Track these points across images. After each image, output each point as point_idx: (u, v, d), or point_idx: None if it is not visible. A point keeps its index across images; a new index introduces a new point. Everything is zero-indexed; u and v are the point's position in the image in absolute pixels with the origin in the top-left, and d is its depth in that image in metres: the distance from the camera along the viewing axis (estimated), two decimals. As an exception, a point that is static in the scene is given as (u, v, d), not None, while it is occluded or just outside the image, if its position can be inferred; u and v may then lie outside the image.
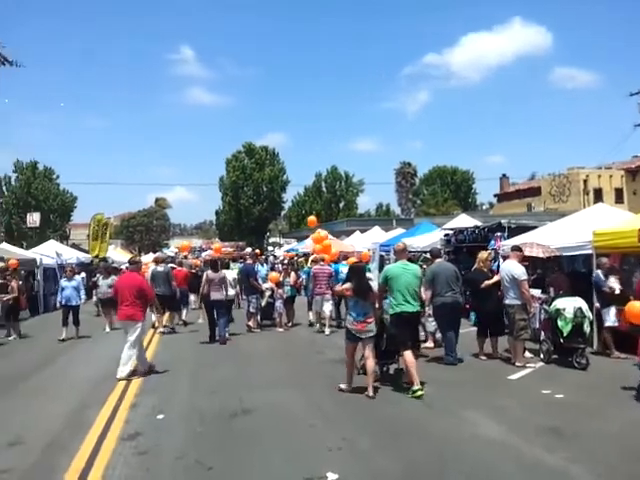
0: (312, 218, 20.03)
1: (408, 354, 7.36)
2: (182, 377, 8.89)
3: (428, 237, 17.96)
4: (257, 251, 23.98)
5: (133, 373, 8.77)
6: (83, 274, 23.32)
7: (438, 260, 10.06)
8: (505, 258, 11.00)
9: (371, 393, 7.11)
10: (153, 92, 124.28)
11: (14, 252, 22.03)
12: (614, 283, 9.45)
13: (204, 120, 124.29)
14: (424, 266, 11.22)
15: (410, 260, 8.73)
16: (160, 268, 14.13)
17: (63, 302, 13.62)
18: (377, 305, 7.63)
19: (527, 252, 10.09)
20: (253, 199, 60.92)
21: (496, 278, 9.47)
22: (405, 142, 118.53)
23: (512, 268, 9.05)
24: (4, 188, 53.50)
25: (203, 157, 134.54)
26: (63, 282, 14.08)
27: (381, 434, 5.76)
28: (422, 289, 8.38)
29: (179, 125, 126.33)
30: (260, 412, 6.63)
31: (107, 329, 14.43)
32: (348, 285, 7.39)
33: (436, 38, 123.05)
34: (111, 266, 18.90)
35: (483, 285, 9.46)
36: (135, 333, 8.77)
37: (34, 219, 46.62)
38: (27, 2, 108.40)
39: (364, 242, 24.43)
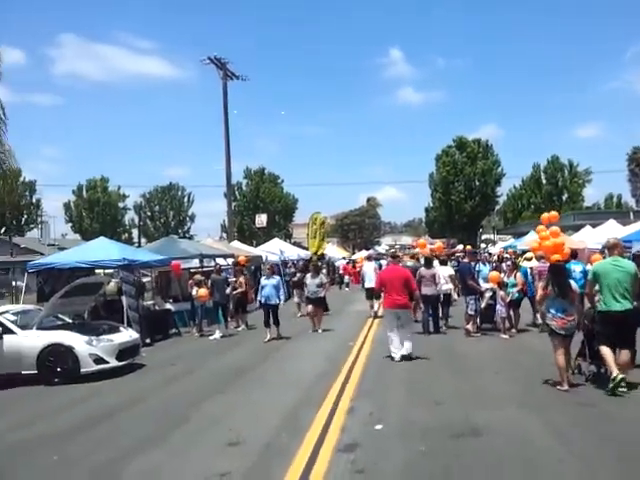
0: (555, 213, 18.16)
1: (605, 350, 7.02)
2: (398, 380, 8.37)
3: (686, 231, 14.87)
4: (468, 247, 22.64)
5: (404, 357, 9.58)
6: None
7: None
8: None
9: (565, 387, 7.14)
10: (365, 96, 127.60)
11: (244, 249, 24.17)
12: None
13: (413, 118, 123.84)
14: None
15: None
16: (409, 263, 14.44)
17: (262, 301, 13.31)
18: (588, 303, 7.59)
19: None
20: (464, 194, 58.61)
21: None
22: (637, 125, 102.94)
23: None
24: (237, 193, 59.84)
25: (412, 155, 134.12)
26: (263, 280, 13.77)
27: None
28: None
29: (389, 125, 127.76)
30: (491, 434, 5.69)
31: (317, 329, 13.89)
32: (545, 283, 7.53)
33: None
34: (318, 264, 18.22)
35: None
36: (410, 321, 10.04)
37: (262, 220, 51.10)
38: (245, 16, 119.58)
39: (597, 237, 21.42)
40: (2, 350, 9.45)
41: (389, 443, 5.55)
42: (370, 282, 16.12)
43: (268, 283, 13.35)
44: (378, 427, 6.04)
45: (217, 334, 14.10)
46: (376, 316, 15.71)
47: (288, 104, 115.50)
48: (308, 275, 14.99)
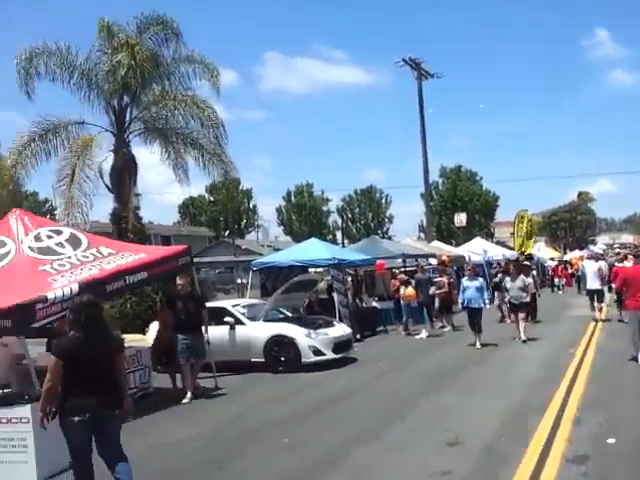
0: None
1: None
2: (632, 391, 7.61)
3: None
4: None
5: None
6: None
7: None
8: None
9: None
10: (569, 82, 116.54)
11: (445, 249, 23.90)
12: None
13: (626, 102, 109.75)
14: None
15: None
16: None
17: (465, 303, 12.46)
18: None
19: None
20: (703, 184, 50.36)
21: None
22: None
23: None
24: (434, 192, 59.32)
25: (629, 143, 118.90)
26: (465, 281, 12.88)
27: None
28: None
29: (599, 111, 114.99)
30: None
31: (519, 338, 12.29)
32: None
33: None
34: (522, 264, 16.58)
35: None
36: None
37: (461, 219, 50.06)
38: (430, 13, 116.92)
39: None
40: (235, 339, 10.66)
41: (624, 458, 5.07)
42: (593, 283, 14.95)
43: (471, 285, 12.44)
44: (610, 441, 5.51)
45: (423, 334, 14.14)
46: (600, 321, 14.52)
47: (484, 96, 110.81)
48: (507, 278, 13.66)
